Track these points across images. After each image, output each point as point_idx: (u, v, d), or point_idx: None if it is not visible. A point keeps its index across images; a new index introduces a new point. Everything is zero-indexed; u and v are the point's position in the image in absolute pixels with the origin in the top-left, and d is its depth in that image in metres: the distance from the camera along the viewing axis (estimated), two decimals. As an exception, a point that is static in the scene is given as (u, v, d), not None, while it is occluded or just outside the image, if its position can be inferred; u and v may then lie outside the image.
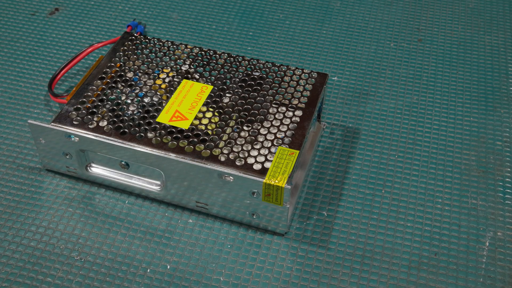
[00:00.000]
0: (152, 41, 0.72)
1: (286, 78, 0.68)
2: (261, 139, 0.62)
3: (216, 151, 0.60)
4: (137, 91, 0.66)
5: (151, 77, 0.67)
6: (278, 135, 0.62)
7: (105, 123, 0.62)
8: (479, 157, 0.71)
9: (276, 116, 0.64)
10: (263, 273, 0.59)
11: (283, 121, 0.63)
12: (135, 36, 0.72)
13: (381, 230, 0.63)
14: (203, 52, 0.70)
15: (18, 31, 0.86)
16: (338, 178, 0.68)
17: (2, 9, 0.89)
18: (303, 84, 0.67)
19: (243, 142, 0.61)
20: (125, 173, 0.64)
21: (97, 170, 0.65)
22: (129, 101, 0.65)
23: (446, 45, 0.85)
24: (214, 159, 0.59)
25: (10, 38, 0.85)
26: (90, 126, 0.62)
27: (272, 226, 0.62)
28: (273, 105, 0.65)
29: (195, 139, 0.61)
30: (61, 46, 0.83)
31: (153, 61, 0.69)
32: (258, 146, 0.61)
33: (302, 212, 0.64)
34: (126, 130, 0.62)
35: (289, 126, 0.63)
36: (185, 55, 0.70)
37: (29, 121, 0.63)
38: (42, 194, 0.66)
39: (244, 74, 0.68)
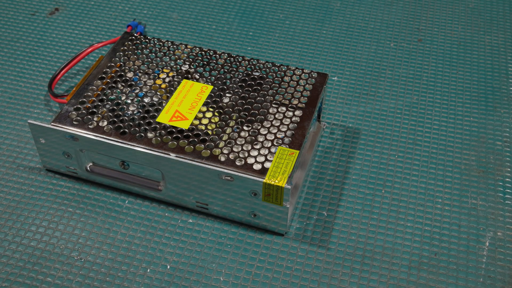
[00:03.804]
0: (152, 41, 0.72)
1: (286, 78, 0.68)
2: (261, 139, 0.62)
3: (216, 151, 0.60)
4: (137, 91, 0.66)
5: (151, 77, 0.67)
6: (278, 135, 0.62)
7: (105, 123, 0.62)
8: (479, 157, 0.71)
9: (276, 116, 0.64)
10: (263, 273, 0.59)
11: (283, 121, 0.63)
12: (135, 36, 0.72)
13: (381, 230, 0.63)
14: (203, 52, 0.70)
15: (18, 31, 0.86)
16: (338, 178, 0.68)
17: (2, 9, 0.89)
18: (303, 84, 0.67)
19: (243, 142, 0.61)
20: (125, 173, 0.64)
21: (97, 170, 0.65)
22: (129, 101, 0.65)
23: (446, 45, 0.85)
24: (214, 159, 0.59)
25: (10, 38, 0.85)
26: (90, 126, 0.62)
27: (272, 226, 0.62)
28: (273, 105, 0.65)
29: (195, 139, 0.61)
30: (61, 46, 0.83)
31: (153, 61, 0.69)
32: (258, 146, 0.61)
33: (302, 212, 0.64)
34: (126, 130, 0.62)
35: (289, 126, 0.63)
36: (185, 55, 0.70)
37: (29, 121, 0.63)
38: (42, 194, 0.66)
39: (244, 74, 0.68)
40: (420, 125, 0.74)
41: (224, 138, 0.61)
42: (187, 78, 0.68)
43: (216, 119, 0.63)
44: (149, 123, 0.62)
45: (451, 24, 0.89)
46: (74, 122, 0.62)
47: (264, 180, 0.57)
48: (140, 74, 0.68)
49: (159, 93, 0.66)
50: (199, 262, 0.60)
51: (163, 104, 0.64)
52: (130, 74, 0.68)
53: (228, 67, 0.69)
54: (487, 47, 0.85)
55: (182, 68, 0.69)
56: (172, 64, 0.69)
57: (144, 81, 0.67)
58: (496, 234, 0.63)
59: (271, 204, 0.59)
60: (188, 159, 0.59)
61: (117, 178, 0.65)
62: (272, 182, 0.57)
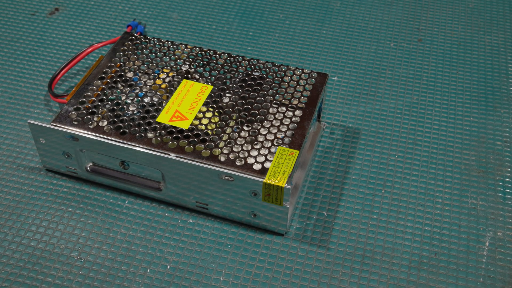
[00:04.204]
0: (152, 41, 0.72)
1: (286, 78, 0.68)
2: (261, 139, 0.62)
3: (216, 151, 0.60)
4: (137, 91, 0.66)
5: (151, 77, 0.67)
6: (278, 135, 0.62)
7: (105, 123, 0.62)
8: (479, 157, 0.71)
9: (276, 116, 0.64)
10: (263, 273, 0.59)
11: (283, 121, 0.63)
12: (135, 36, 0.72)
13: (381, 230, 0.63)
14: (203, 52, 0.70)
15: (18, 31, 0.86)
16: (338, 178, 0.68)
17: (2, 9, 0.89)
18: (303, 84, 0.67)
19: (243, 142, 0.61)
20: (125, 173, 0.64)
21: (97, 170, 0.65)
22: (129, 101, 0.65)
23: (446, 45, 0.85)
24: (214, 159, 0.59)
25: (10, 38, 0.85)
26: (90, 126, 0.62)
27: (272, 226, 0.62)
28: (273, 105, 0.65)
29: (195, 139, 0.61)
30: (61, 46, 0.83)
31: (153, 61, 0.69)
32: (258, 146, 0.61)
33: (302, 212, 0.64)
34: (126, 130, 0.62)
35: (289, 126, 0.63)
36: (185, 55, 0.70)
37: (29, 121, 0.63)
38: (42, 194, 0.66)
39: (244, 74, 0.68)
40: (420, 125, 0.74)
41: (224, 138, 0.61)
42: (187, 78, 0.68)
43: (216, 119, 0.63)
44: (149, 123, 0.63)
45: (451, 24, 0.89)
46: (74, 122, 0.62)
47: (264, 180, 0.57)
48: (140, 74, 0.68)
49: (159, 93, 0.66)
50: (199, 262, 0.60)
51: (163, 104, 0.64)
52: (130, 74, 0.68)
53: (228, 67, 0.69)
54: (487, 47, 0.85)
55: (182, 68, 0.69)
56: (172, 64, 0.69)
57: (144, 81, 0.67)
58: (496, 234, 0.63)
59: (271, 204, 0.59)
60: (188, 159, 0.59)
61: (117, 178, 0.65)
62: (272, 182, 0.57)
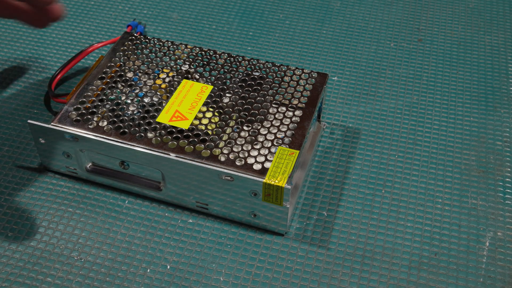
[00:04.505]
0: (152, 41, 0.72)
1: (286, 78, 0.68)
2: (261, 139, 0.62)
3: (216, 151, 0.60)
4: (137, 91, 0.66)
5: (151, 77, 0.67)
6: (278, 135, 0.62)
7: (105, 123, 0.62)
8: (479, 157, 0.71)
9: (276, 116, 0.64)
10: (263, 273, 0.59)
11: (283, 121, 0.63)
12: (135, 36, 0.72)
13: (381, 230, 0.63)
14: (203, 52, 0.70)
15: (18, 31, 0.86)
16: (338, 178, 0.68)
17: (2, 9, 0.89)
18: (303, 84, 0.67)
19: (243, 142, 0.61)
20: (125, 173, 0.64)
21: (97, 170, 0.65)
22: (129, 101, 0.65)
23: (446, 45, 0.85)
24: (214, 159, 0.59)
25: (10, 38, 0.85)
26: (90, 126, 0.62)
27: (272, 226, 0.62)
28: (273, 105, 0.65)
29: (195, 139, 0.61)
30: (61, 46, 0.83)
31: (153, 61, 0.69)
32: (258, 146, 0.61)
33: (302, 212, 0.64)
34: (126, 130, 0.62)
35: (289, 126, 0.63)
36: (185, 55, 0.70)
37: (29, 121, 0.63)
38: (42, 194, 0.66)
39: (244, 74, 0.68)
40: (420, 125, 0.74)
41: (224, 138, 0.61)
42: (187, 78, 0.68)
43: (216, 119, 0.63)
44: (149, 123, 0.63)
45: (451, 24, 0.89)
46: (74, 122, 0.62)
47: (264, 180, 0.57)
48: (140, 74, 0.68)
49: (159, 93, 0.66)
50: (199, 262, 0.60)
51: (163, 104, 0.64)
52: (130, 74, 0.68)
53: (228, 67, 0.69)
54: (487, 47, 0.85)
55: (182, 68, 0.69)
56: (172, 64, 0.69)
57: (144, 81, 0.67)
58: (496, 234, 0.63)
59: (271, 204, 0.59)
60: (188, 159, 0.59)
61: (117, 178, 0.65)
62: (272, 182, 0.57)
